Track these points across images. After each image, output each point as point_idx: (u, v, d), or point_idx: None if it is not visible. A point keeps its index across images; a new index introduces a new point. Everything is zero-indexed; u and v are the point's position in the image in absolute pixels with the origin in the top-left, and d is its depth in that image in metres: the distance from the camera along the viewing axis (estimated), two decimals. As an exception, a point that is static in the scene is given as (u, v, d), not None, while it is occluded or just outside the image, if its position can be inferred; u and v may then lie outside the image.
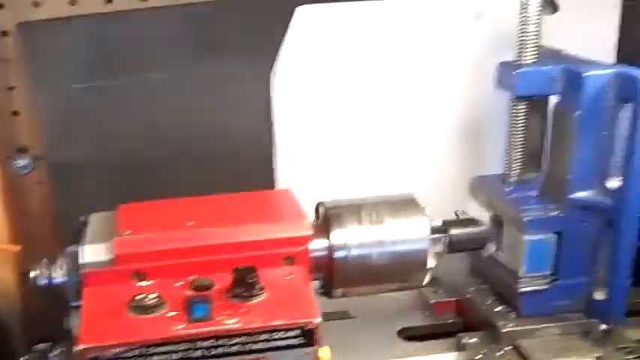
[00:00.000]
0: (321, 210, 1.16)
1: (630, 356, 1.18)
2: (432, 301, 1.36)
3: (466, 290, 1.34)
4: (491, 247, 1.26)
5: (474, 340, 1.23)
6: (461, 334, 1.25)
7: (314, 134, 1.45)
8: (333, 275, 1.12)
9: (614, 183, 1.15)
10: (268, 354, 0.96)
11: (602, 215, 1.17)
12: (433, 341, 1.27)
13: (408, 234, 1.14)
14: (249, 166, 1.46)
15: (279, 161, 1.45)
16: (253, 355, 0.96)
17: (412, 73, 1.43)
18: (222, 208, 1.15)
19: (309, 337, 0.97)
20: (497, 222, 1.27)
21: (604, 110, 1.13)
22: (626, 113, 1.12)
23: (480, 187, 1.32)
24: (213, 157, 1.45)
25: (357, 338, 1.28)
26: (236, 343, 0.95)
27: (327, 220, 1.13)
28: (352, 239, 1.12)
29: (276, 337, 0.96)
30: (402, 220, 1.14)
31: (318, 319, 0.97)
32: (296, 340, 0.97)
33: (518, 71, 1.19)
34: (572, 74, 1.15)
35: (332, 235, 1.11)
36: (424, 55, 1.43)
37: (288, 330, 0.96)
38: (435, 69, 1.44)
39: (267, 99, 1.40)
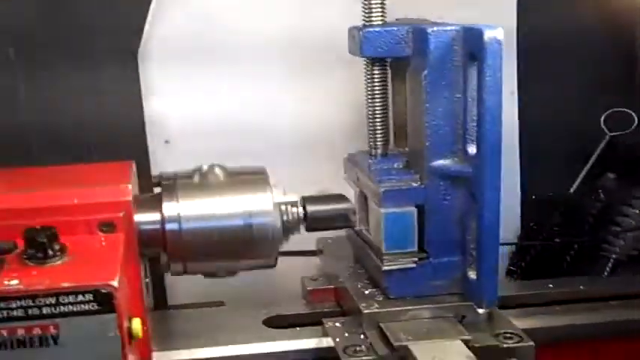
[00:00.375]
0: (158, 181, 1.09)
1: (508, 341, 1.05)
2: (309, 288, 1.25)
3: (343, 275, 1.23)
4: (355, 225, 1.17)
5: (338, 324, 1.14)
6: (325, 319, 1.15)
7: (188, 117, 1.39)
8: (167, 249, 1.05)
9: (472, 149, 1.04)
10: (58, 320, 0.86)
11: (465, 186, 1.07)
12: (299, 329, 1.19)
13: (248, 208, 1.06)
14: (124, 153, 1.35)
15: (153, 146, 1.38)
16: (40, 321, 0.85)
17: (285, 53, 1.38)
18: (54, 176, 1.08)
19: (105, 303, 0.86)
20: (364, 198, 1.18)
21: (453, 70, 1.05)
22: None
23: (350, 164, 1.24)
24: (84, 146, 1.36)
25: (222, 325, 1.21)
26: (20, 307, 0.85)
27: (160, 190, 1.06)
28: (185, 211, 1.04)
29: (65, 301, 0.85)
30: (243, 194, 1.07)
31: (115, 283, 0.84)
32: (90, 305, 0.85)
33: (362, 32, 1.11)
34: (419, 33, 1.07)
35: (164, 206, 1.04)
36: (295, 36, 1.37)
37: (79, 294, 0.85)
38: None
39: (136, 82, 1.35)
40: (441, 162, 1.08)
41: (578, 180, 1.50)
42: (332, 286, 1.26)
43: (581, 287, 1.30)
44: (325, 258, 1.33)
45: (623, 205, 1.51)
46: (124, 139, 1.36)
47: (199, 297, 1.37)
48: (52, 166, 1.12)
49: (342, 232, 1.31)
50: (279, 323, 1.20)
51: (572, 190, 1.51)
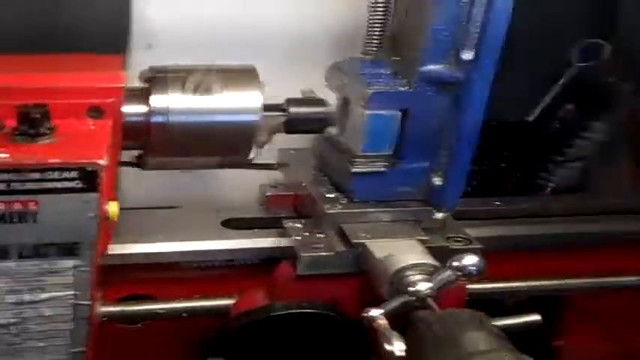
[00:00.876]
0: (147, 74, 1.08)
1: (458, 244, 1.11)
2: (268, 194, 1.28)
3: (306, 181, 1.26)
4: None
5: (298, 225, 1.17)
6: (285, 220, 1.18)
7: (172, 21, 1.35)
8: (150, 142, 1.06)
9: (468, 55, 1.07)
10: (40, 196, 0.87)
11: (452, 92, 1.11)
12: (257, 230, 1.21)
13: (235, 105, 1.07)
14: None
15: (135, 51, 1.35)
16: (22, 196, 0.87)
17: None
18: (47, 61, 1.08)
19: (90, 182, 0.88)
20: (345, 103, 1.19)
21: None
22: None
23: (334, 71, 1.23)
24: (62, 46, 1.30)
25: (179, 224, 1.22)
26: (3, 181, 0.86)
27: (150, 83, 1.06)
28: (173, 104, 1.05)
29: (50, 177, 0.87)
30: (231, 91, 1.08)
31: (102, 162, 0.86)
32: (74, 183, 0.86)
33: None
34: None
35: (152, 98, 1.04)
36: None
37: (65, 170, 0.87)
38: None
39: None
40: (433, 67, 1.10)
41: (539, 108, 1.54)
42: (292, 193, 1.28)
43: (525, 205, 1.36)
44: (287, 170, 1.34)
45: (573, 136, 1.57)
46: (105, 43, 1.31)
47: (152, 204, 1.39)
48: (45, 54, 1.10)
49: (304, 145, 1.34)
50: (237, 225, 1.22)
51: (532, 119, 1.55)
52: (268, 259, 1.15)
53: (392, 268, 1.02)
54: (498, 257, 1.23)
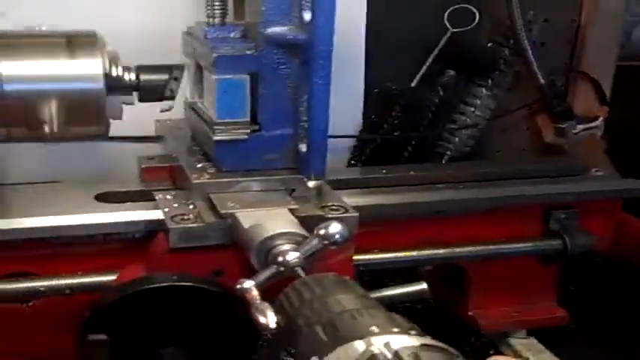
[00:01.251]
0: None
1: (333, 212, 1.09)
2: (144, 166, 1.24)
3: (179, 153, 1.22)
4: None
5: (169, 196, 1.13)
6: (156, 192, 1.14)
7: None
8: None
9: (307, 15, 1.04)
10: None
11: (300, 55, 1.08)
12: (130, 203, 1.17)
13: (75, 72, 1.02)
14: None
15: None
16: None
17: None
18: None
19: None
20: (200, 70, 1.16)
21: None
22: None
23: (187, 37, 1.21)
24: None
25: (53, 199, 1.17)
26: None
27: None
28: (8, 71, 0.99)
29: None
30: (71, 57, 1.02)
31: None
32: None
33: None
34: None
35: None
36: None
37: None
38: None
39: None
40: (276, 29, 1.07)
41: (419, 75, 1.52)
42: (167, 165, 1.25)
43: (412, 173, 1.34)
44: (165, 142, 1.31)
45: (460, 103, 1.57)
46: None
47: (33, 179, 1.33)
48: None
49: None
50: (112, 199, 1.18)
51: (413, 85, 1.53)
52: (152, 233, 1.10)
53: (258, 238, 0.99)
54: (386, 225, 1.22)
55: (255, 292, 0.94)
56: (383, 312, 0.80)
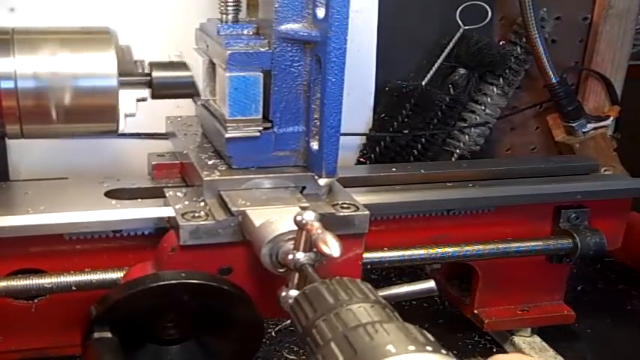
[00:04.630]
0: None
1: (344, 210, 1.09)
2: (154, 163, 1.23)
3: (189, 149, 1.21)
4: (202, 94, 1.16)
5: (179, 194, 1.13)
6: (167, 189, 1.13)
7: None
8: (2, 110, 0.99)
9: (321, 12, 1.04)
10: None
11: (313, 52, 1.07)
12: (140, 200, 1.17)
13: (85, 69, 1.01)
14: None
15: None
16: None
17: None
18: None
19: None
20: (212, 67, 1.16)
21: None
22: None
23: (200, 33, 1.20)
24: None
25: (63, 195, 1.17)
26: None
27: None
28: (22, 69, 0.98)
29: None
30: (85, 52, 1.01)
31: None
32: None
33: None
34: None
35: None
36: None
37: None
38: None
39: None
40: (289, 26, 1.07)
41: (430, 72, 1.52)
42: (178, 161, 1.25)
43: (422, 171, 1.34)
44: (176, 139, 1.30)
45: (470, 101, 1.56)
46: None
47: (42, 175, 1.34)
48: None
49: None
50: (122, 196, 1.17)
51: (424, 83, 1.53)
52: (160, 230, 1.10)
53: (269, 236, 0.98)
54: (396, 223, 1.22)
55: (317, 224, 0.93)
56: (397, 325, 0.77)
